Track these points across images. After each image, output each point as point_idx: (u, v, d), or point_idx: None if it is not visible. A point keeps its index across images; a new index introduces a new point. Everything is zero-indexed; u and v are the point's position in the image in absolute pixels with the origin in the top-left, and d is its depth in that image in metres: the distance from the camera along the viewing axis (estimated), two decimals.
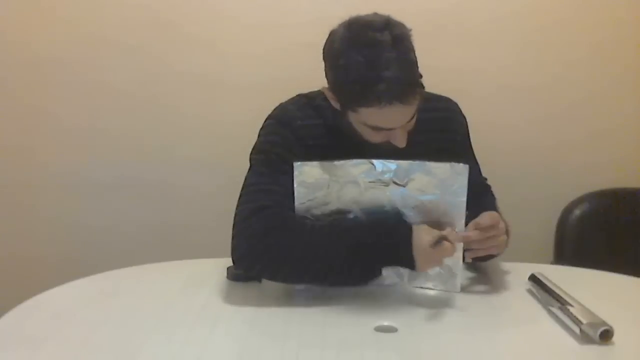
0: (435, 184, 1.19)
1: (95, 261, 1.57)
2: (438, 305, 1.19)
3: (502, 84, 1.96)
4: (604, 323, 1.02)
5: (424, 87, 1.19)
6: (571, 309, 1.07)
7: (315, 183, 1.21)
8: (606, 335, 1.01)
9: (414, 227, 1.18)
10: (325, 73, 1.23)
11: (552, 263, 1.84)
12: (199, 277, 1.32)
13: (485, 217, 1.21)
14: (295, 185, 1.20)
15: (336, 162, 1.21)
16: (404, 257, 1.17)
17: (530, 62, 1.95)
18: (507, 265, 1.38)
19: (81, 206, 2.02)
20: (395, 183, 1.21)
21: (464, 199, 1.18)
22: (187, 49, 1.93)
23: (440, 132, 1.36)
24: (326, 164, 1.21)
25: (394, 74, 1.11)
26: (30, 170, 2.00)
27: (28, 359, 0.99)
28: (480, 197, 1.31)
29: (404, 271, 1.23)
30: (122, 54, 1.93)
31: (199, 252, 1.44)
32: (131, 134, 1.98)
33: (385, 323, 1.10)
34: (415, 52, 1.17)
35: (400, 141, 1.21)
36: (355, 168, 1.20)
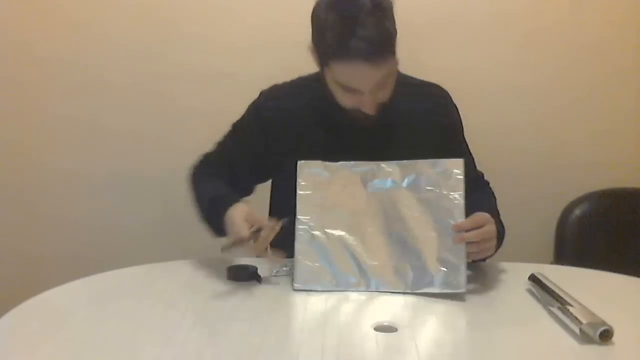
0: (434, 181, 1.23)
1: (96, 260, 1.57)
2: (438, 305, 1.19)
3: (502, 83, 1.96)
4: (603, 323, 1.02)
5: (396, 58, 1.24)
6: (571, 309, 1.07)
7: (318, 181, 1.26)
8: (606, 335, 1.01)
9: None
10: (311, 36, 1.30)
11: (552, 263, 1.84)
12: (199, 277, 1.32)
13: (470, 220, 1.22)
14: (298, 182, 1.25)
15: (338, 164, 1.26)
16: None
17: (530, 61, 1.95)
18: (507, 265, 1.38)
19: (81, 206, 2.02)
20: (396, 183, 1.25)
21: (462, 192, 1.22)
22: (189, 47, 1.93)
23: (432, 116, 1.40)
24: (329, 164, 1.26)
25: (367, 33, 1.17)
26: (30, 169, 2.00)
27: (28, 359, 0.99)
28: (475, 193, 1.32)
29: (407, 278, 1.22)
30: (122, 52, 1.93)
31: (199, 252, 1.44)
32: (132, 132, 1.98)
33: (385, 323, 1.10)
34: (395, 25, 1.23)
35: (369, 108, 1.26)
36: (356, 170, 1.26)
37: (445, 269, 1.21)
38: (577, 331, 1.04)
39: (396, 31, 1.22)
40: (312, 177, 1.26)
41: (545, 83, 1.96)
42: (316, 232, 1.26)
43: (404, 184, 1.25)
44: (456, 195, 1.22)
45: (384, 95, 1.28)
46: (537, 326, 1.11)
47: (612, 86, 1.97)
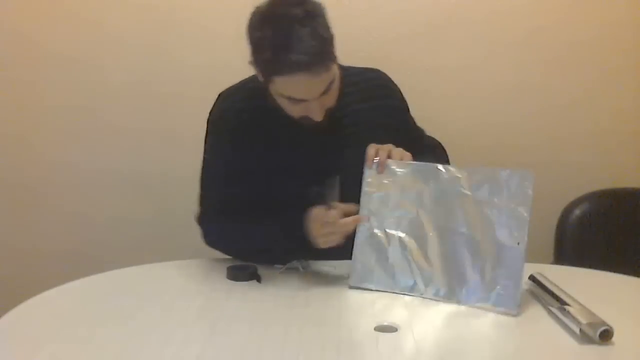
0: (501, 191, 1.19)
1: (96, 259, 1.57)
2: (438, 304, 1.19)
3: (502, 83, 1.96)
4: (603, 323, 1.02)
5: (335, 63, 1.26)
6: (571, 309, 1.07)
7: (382, 180, 1.26)
8: (606, 335, 1.01)
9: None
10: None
11: (552, 263, 1.84)
12: (199, 277, 1.32)
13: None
14: (364, 178, 1.26)
15: (404, 162, 1.25)
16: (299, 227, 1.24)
17: (529, 61, 1.95)
18: None
19: (82, 205, 2.02)
20: (463, 189, 1.22)
21: (528, 207, 1.17)
22: (191, 44, 1.93)
23: (376, 99, 1.42)
24: (395, 162, 1.26)
25: (304, 45, 1.17)
26: (30, 168, 2.00)
27: (28, 359, 0.99)
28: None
29: (461, 290, 1.19)
30: (124, 49, 1.93)
31: (199, 252, 1.44)
32: (133, 130, 1.98)
33: (385, 323, 1.10)
34: (331, 30, 1.22)
35: (316, 115, 1.27)
36: (422, 171, 1.25)
37: (500, 288, 1.17)
38: (577, 331, 1.04)
39: (332, 35, 1.23)
40: (377, 175, 1.26)
41: (545, 83, 1.96)
42: (376, 231, 1.25)
43: (471, 190, 1.21)
44: (521, 210, 1.17)
45: (330, 100, 1.29)
46: (537, 326, 1.11)
47: (612, 86, 1.97)
